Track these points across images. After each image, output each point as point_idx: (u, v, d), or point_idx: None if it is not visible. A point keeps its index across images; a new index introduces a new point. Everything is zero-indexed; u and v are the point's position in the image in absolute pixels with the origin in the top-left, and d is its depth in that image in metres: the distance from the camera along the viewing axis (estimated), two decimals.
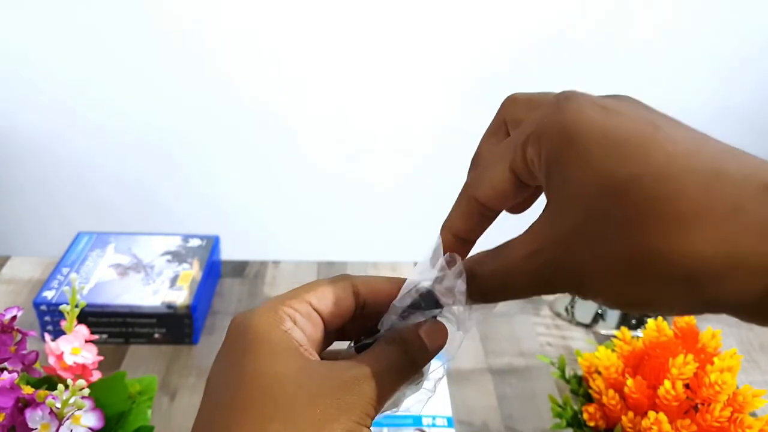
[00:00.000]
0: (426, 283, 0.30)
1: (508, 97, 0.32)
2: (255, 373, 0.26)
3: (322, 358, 0.30)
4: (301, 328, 0.29)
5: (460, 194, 0.31)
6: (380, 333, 0.31)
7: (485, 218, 0.31)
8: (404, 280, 0.31)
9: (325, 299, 0.30)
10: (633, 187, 0.22)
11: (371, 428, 0.28)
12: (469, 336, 0.76)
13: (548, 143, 0.25)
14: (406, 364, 0.29)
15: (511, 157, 0.27)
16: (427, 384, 0.33)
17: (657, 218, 0.22)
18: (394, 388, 0.29)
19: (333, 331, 0.31)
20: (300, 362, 0.27)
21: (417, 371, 0.30)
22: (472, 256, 0.30)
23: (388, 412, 0.32)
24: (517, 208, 0.32)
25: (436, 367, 0.33)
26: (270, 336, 0.27)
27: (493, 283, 0.28)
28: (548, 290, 0.27)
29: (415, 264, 0.32)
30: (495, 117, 0.32)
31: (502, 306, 0.88)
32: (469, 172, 0.32)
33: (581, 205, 0.24)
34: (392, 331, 0.31)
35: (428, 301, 0.30)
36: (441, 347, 0.31)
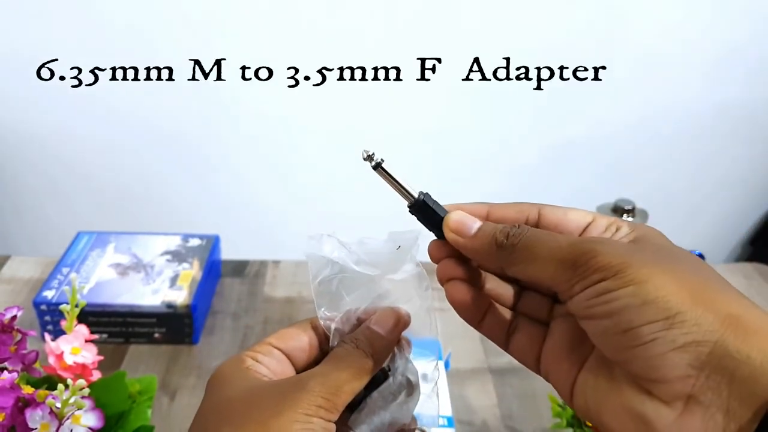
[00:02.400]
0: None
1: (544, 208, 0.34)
2: (212, 401, 0.31)
3: None
4: (265, 364, 0.32)
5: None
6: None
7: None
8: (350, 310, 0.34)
9: (284, 337, 0.34)
10: None
11: (334, 423, 0.30)
12: (469, 336, 0.76)
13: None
14: (361, 356, 0.31)
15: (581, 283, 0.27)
16: (425, 388, 0.34)
17: None
18: (352, 380, 0.31)
19: (308, 364, 0.34)
20: (251, 384, 0.31)
21: (377, 361, 0.32)
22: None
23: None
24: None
25: (427, 368, 0.34)
26: (230, 374, 0.32)
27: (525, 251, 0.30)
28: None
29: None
30: (524, 206, 0.35)
31: None
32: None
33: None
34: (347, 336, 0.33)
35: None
36: (396, 329, 0.33)
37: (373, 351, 0.32)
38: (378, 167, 0.33)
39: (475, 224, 0.32)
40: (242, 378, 0.31)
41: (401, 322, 0.34)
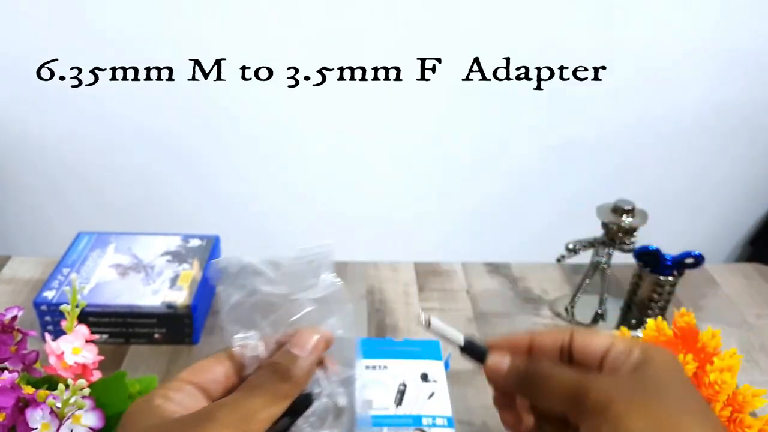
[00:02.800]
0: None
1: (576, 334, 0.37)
2: None
3: None
4: (177, 401, 0.31)
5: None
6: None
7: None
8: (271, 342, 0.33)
9: (198, 371, 0.33)
10: None
11: None
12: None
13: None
14: (278, 380, 0.31)
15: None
16: (427, 388, 0.34)
17: None
18: (272, 405, 0.30)
19: (226, 395, 0.33)
20: (157, 421, 0.30)
21: (297, 385, 0.31)
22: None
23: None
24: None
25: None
26: (138, 413, 0.31)
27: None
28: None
29: None
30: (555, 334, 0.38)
31: (502, 307, 0.87)
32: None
33: None
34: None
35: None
36: (316, 349, 0.32)
37: (292, 374, 0.31)
38: (428, 326, 0.36)
39: (504, 364, 0.37)
40: (150, 416, 0.30)
41: (321, 341, 0.32)
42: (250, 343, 0.32)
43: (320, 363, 0.33)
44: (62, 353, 0.47)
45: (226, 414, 0.29)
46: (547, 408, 0.34)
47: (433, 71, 1.18)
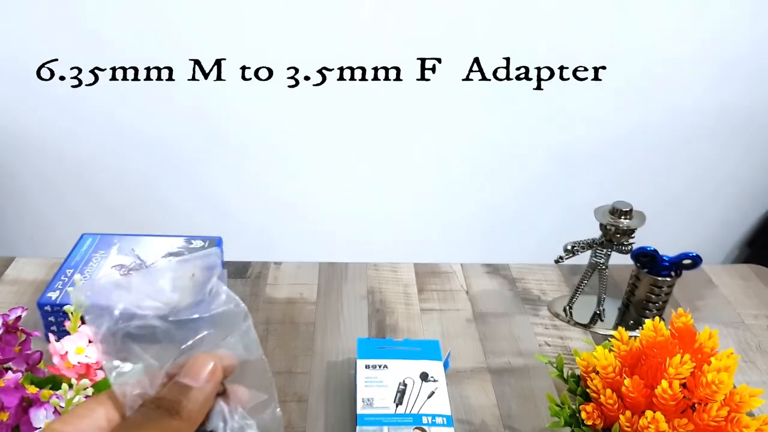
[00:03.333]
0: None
1: None
2: None
3: None
4: None
5: None
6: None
7: None
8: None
9: (70, 417, 0.28)
10: None
11: None
12: (469, 336, 0.76)
13: None
14: (164, 417, 0.26)
15: None
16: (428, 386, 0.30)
17: None
18: None
19: None
20: None
21: (192, 420, 0.27)
22: None
23: None
24: None
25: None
26: None
27: None
28: None
29: None
30: None
31: (502, 307, 0.88)
32: None
33: None
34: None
35: None
36: (212, 377, 0.27)
37: (182, 408, 0.26)
38: None
39: None
40: None
41: (218, 368, 0.28)
42: (131, 379, 0.27)
43: (222, 393, 0.28)
44: (66, 353, 0.48)
45: None
46: None
47: (433, 71, 1.19)
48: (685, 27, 1.18)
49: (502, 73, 1.19)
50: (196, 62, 1.16)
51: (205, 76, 1.17)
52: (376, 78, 1.19)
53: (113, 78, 1.17)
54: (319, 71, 1.18)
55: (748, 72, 1.24)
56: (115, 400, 0.28)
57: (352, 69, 1.18)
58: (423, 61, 1.18)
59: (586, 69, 1.19)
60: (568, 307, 0.81)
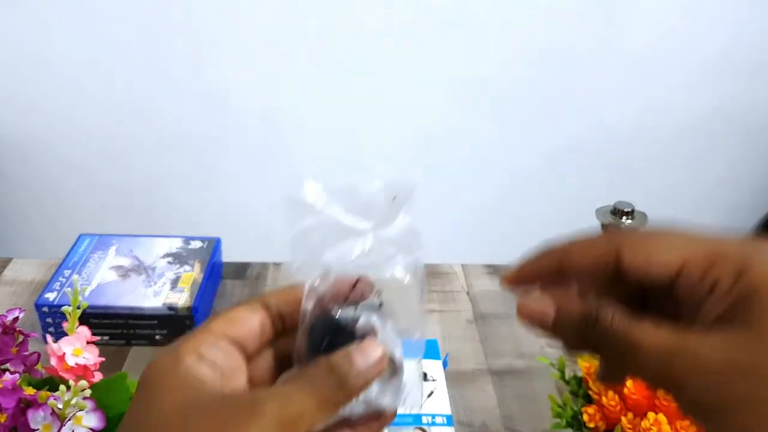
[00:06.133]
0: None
1: (626, 240, 0.28)
2: (139, 414, 0.26)
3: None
4: (210, 359, 0.27)
5: (594, 238, 0.28)
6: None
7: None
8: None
9: (230, 322, 0.29)
10: None
11: None
12: (469, 337, 0.76)
13: (750, 277, 0.24)
14: (333, 385, 0.27)
15: (689, 252, 0.25)
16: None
17: None
18: (317, 410, 0.26)
19: (260, 350, 0.30)
20: (192, 396, 0.26)
21: (350, 394, 0.27)
22: (601, 301, 0.26)
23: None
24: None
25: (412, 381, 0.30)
26: (164, 379, 0.27)
27: (616, 345, 0.25)
28: (664, 386, 0.25)
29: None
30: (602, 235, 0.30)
31: (503, 308, 0.87)
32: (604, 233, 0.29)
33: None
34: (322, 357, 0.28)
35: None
36: (376, 367, 0.28)
37: (347, 384, 0.27)
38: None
39: (543, 309, 0.27)
40: (180, 384, 0.26)
41: (385, 360, 0.28)
42: (312, 274, 0.28)
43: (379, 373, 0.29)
44: (63, 354, 0.48)
45: (275, 409, 0.25)
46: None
47: (432, 72, 1.18)
48: (684, 27, 1.18)
49: (501, 74, 1.19)
50: (198, 65, 1.16)
51: (205, 77, 1.17)
52: (375, 79, 1.19)
53: (113, 80, 1.17)
54: (319, 73, 1.18)
55: (748, 71, 1.23)
56: (267, 310, 0.29)
57: (352, 70, 1.18)
58: (422, 61, 1.18)
59: (586, 70, 1.19)
60: None
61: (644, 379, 0.26)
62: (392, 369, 0.29)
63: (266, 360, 0.30)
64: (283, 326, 0.30)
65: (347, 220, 0.28)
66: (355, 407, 0.29)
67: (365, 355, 0.28)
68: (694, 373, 0.23)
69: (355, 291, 0.29)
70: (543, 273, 0.29)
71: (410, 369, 0.30)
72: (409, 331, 0.30)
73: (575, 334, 0.27)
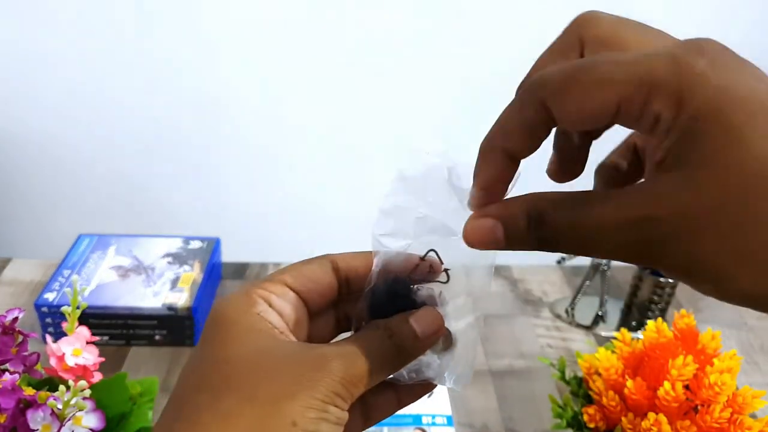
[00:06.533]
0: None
1: (588, 14, 0.27)
2: (213, 356, 0.26)
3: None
4: (278, 309, 0.28)
5: (516, 105, 0.25)
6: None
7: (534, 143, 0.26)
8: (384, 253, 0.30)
9: (301, 277, 0.29)
10: None
11: (346, 412, 0.26)
12: None
13: (694, 106, 0.21)
14: (391, 350, 0.28)
15: (621, 89, 0.22)
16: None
17: None
18: (374, 373, 0.27)
19: (323, 309, 0.31)
20: (264, 342, 0.26)
21: (406, 359, 0.28)
22: (540, 193, 0.25)
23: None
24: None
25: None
26: (237, 320, 0.27)
27: (567, 236, 0.23)
28: (636, 260, 0.23)
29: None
30: (565, 34, 0.28)
31: (502, 308, 0.87)
32: (523, 90, 0.26)
33: (733, 184, 0.20)
34: (381, 320, 0.29)
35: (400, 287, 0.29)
36: (434, 335, 0.29)
37: (407, 351, 0.28)
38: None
39: (498, 234, 0.25)
40: (252, 330, 0.27)
41: (442, 331, 0.29)
42: (391, 244, 0.29)
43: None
44: (63, 355, 0.48)
45: (341, 369, 0.25)
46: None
47: (431, 72, 1.18)
48: (683, 27, 1.18)
49: (501, 76, 1.19)
50: (198, 65, 1.16)
51: (205, 77, 1.17)
52: (374, 80, 1.19)
53: (113, 79, 1.17)
54: (319, 74, 1.18)
55: None
56: (337, 271, 0.30)
57: (351, 71, 1.18)
58: (421, 63, 1.18)
59: None
60: (570, 309, 0.81)
61: (612, 256, 0.23)
62: (445, 343, 0.30)
63: (326, 320, 0.31)
64: (348, 290, 0.31)
65: (447, 224, 0.29)
66: (403, 372, 0.29)
67: (424, 323, 0.28)
68: (661, 237, 0.21)
69: (423, 265, 0.30)
70: (499, 176, 0.26)
71: (464, 347, 0.31)
72: (469, 311, 0.31)
73: (531, 242, 0.25)
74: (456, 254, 0.29)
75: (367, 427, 0.29)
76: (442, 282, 0.30)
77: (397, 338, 0.28)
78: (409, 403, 0.31)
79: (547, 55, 0.29)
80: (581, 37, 0.27)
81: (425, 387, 0.31)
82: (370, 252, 0.30)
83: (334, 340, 0.29)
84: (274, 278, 0.29)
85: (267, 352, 0.26)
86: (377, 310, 0.29)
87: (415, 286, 0.30)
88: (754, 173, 0.20)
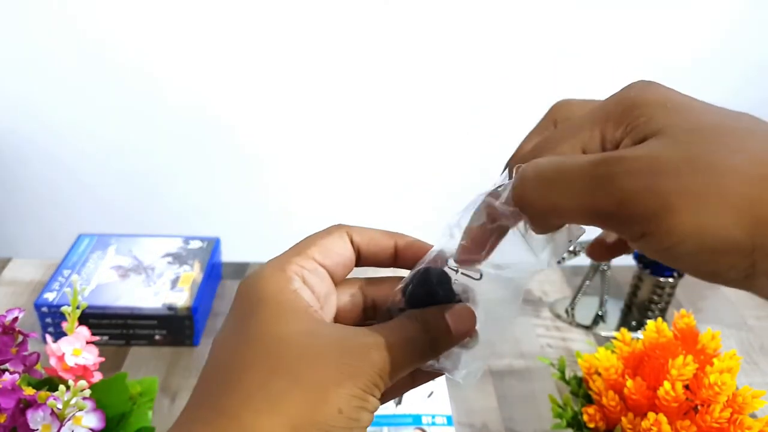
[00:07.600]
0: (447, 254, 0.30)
1: (560, 101, 0.33)
2: (260, 334, 0.26)
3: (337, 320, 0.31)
4: (310, 285, 0.28)
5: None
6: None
7: None
8: (391, 233, 0.32)
9: (328, 251, 0.30)
10: (749, 137, 0.22)
11: (375, 402, 0.27)
12: None
13: (646, 109, 0.25)
14: (425, 343, 0.28)
15: (587, 134, 0.26)
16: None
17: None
18: (407, 365, 0.27)
19: (345, 283, 0.32)
20: (308, 324, 0.26)
21: (436, 353, 0.29)
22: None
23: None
24: None
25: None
26: (278, 297, 0.27)
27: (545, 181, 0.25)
28: (597, 196, 0.23)
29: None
30: (544, 118, 0.34)
31: (501, 309, 0.87)
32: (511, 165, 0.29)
33: (692, 140, 0.22)
34: (417, 310, 0.30)
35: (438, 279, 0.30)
36: (466, 333, 0.29)
37: (439, 345, 0.29)
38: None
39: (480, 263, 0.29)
40: (294, 309, 0.27)
41: (472, 328, 0.30)
42: (452, 228, 0.30)
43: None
44: (63, 355, 0.48)
45: (381, 359, 0.26)
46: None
47: (432, 78, 1.18)
48: (683, 27, 1.18)
49: (500, 78, 1.19)
50: (197, 65, 1.16)
51: (205, 77, 1.17)
52: (375, 82, 1.19)
53: (113, 79, 1.17)
54: (319, 75, 1.18)
55: (748, 70, 1.23)
56: (353, 243, 0.31)
57: (351, 72, 1.18)
58: (421, 67, 1.18)
59: (585, 72, 1.19)
60: (570, 309, 0.81)
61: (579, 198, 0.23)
62: (471, 339, 0.31)
63: (349, 292, 0.32)
64: (359, 262, 0.32)
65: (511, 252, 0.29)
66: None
67: (458, 320, 0.29)
68: (627, 176, 0.22)
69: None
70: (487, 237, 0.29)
71: (482, 346, 0.31)
72: (502, 313, 0.32)
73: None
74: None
75: (381, 404, 0.29)
76: (474, 278, 0.31)
77: (432, 332, 0.28)
78: (425, 382, 0.32)
79: (532, 136, 0.34)
80: (555, 119, 0.33)
81: (437, 374, 0.32)
82: (378, 228, 0.31)
83: (368, 323, 0.30)
84: (304, 252, 0.29)
85: (312, 334, 0.26)
86: (414, 297, 0.30)
87: (453, 278, 0.30)
88: (708, 127, 0.23)
